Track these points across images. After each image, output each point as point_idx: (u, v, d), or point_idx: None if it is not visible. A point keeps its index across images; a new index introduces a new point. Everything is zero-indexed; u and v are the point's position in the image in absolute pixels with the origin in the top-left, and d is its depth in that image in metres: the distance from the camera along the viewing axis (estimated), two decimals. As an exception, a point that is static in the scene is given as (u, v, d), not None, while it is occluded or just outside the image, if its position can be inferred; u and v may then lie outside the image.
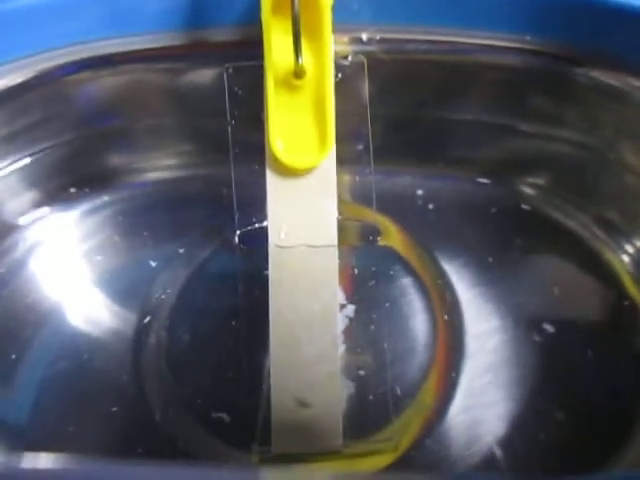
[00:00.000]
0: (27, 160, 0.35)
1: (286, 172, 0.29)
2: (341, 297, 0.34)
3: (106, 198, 0.38)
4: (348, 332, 0.33)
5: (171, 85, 0.34)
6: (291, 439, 0.29)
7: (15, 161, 0.34)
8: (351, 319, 0.34)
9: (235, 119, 0.31)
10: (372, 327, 0.34)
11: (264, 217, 0.30)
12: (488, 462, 0.31)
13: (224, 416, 0.32)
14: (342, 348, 0.33)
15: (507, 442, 0.31)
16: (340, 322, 0.33)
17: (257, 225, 0.34)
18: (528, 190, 0.37)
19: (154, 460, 0.30)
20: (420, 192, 0.38)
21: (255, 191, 0.30)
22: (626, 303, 0.34)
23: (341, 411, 0.29)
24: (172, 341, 0.34)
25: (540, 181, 0.37)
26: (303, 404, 0.28)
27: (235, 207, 0.32)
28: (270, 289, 0.29)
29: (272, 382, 0.29)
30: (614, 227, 0.36)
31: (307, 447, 0.29)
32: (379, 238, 0.36)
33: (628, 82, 0.32)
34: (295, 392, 0.29)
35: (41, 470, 0.21)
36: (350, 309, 0.34)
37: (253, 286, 0.32)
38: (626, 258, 0.35)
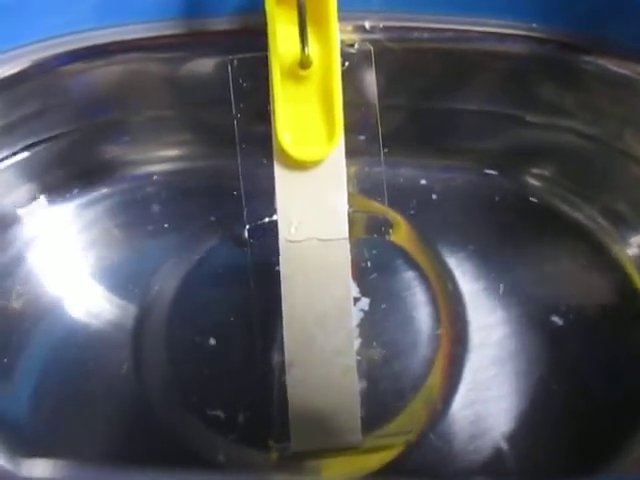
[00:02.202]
0: (24, 152, 0.34)
1: (294, 165, 0.29)
2: (355, 290, 0.33)
3: (105, 190, 0.37)
4: (363, 326, 0.33)
5: (170, 75, 0.33)
6: (310, 436, 0.29)
7: (12, 154, 0.34)
8: (366, 312, 0.33)
9: (241, 112, 0.31)
10: (377, 321, 0.33)
11: (273, 211, 0.30)
12: (492, 458, 0.31)
13: (227, 412, 0.31)
14: (358, 342, 0.32)
15: (512, 437, 0.31)
16: (355, 316, 0.33)
17: (267, 219, 0.33)
18: (534, 182, 0.37)
19: (153, 456, 0.30)
20: (424, 183, 0.37)
21: (263, 185, 0.29)
22: (632, 295, 0.34)
23: (359, 406, 0.29)
24: (172, 334, 0.33)
25: (546, 172, 0.37)
26: (320, 400, 0.28)
27: (244, 201, 0.31)
28: (282, 285, 0.29)
29: (288, 379, 0.29)
30: (621, 219, 0.35)
31: (326, 443, 0.29)
32: (390, 231, 0.35)
33: (637, 70, 0.31)
34: (312, 388, 0.29)
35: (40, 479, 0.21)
36: (364, 302, 0.34)
37: (260, 280, 0.32)
38: (633, 250, 0.35)
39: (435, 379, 0.32)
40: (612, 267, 0.35)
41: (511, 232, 0.36)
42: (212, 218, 0.36)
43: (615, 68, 0.32)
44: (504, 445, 0.31)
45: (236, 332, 0.33)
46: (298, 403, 0.28)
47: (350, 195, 0.30)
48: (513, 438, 0.31)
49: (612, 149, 0.34)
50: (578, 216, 0.36)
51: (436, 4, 0.32)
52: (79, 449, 0.31)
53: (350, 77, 0.30)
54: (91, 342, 0.33)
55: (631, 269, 0.35)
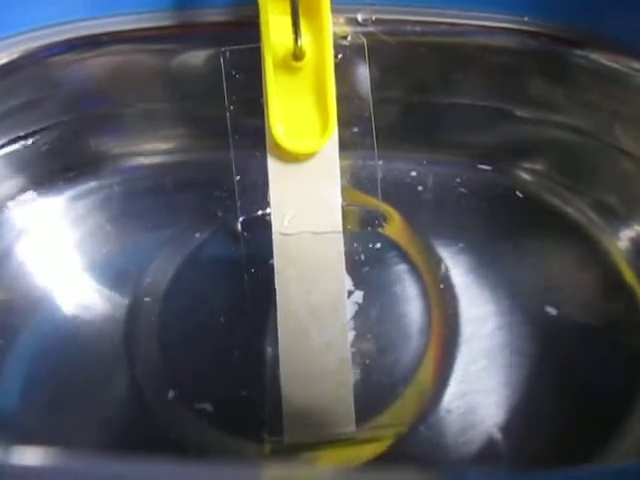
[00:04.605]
0: (14, 144, 0.34)
1: (288, 158, 0.29)
2: (349, 283, 0.33)
3: (96, 183, 0.37)
4: (356, 318, 0.33)
5: (163, 67, 0.33)
6: (303, 428, 0.29)
7: (1, 145, 0.33)
8: (360, 305, 0.33)
9: (233, 104, 0.30)
10: (371, 313, 0.33)
11: (267, 204, 0.30)
12: (483, 449, 0.31)
13: (220, 405, 0.31)
14: (351, 335, 0.32)
15: (503, 429, 0.31)
16: (349, 308, 0.33)
17: (260, 212, 0.33)
18: (525, 176, 0.37)
19: (145, 449, 0.30)
20: (417, 177, 0.37)
21: (256, 177, 0.29)
22: (623, 288, 0.34)
23: (352, 398, 0.29)
24: (164, 327, 0.33)
25: (537, 167, 0.37)
26: (314, 393, 0.28)
27: (237, 194, 0.31)
28: (276, 278, 0.29)
29: (282, 371, 0.29)
30: (612, 212, 0.36)
31: (320, 436, 0.29)
32: (384, 224, 0.35)
33: (628, 64, 0.32)
34: (306, 381, 0.29)
35: (31, 467, 0.21)
36: (358, 295, 0.34)
37: (254, 274, 0.32)
38: (623, 244, 0.35)
39: (427, 371, 0.33)
40: (603, 260, 0.35)
41: (503, 225, 0.37)
42: (205, 211, 0.36)
43: (606, 62, 0.32)
44: (495, 436, 0.31)
45: (229, 325, 0.33)
46: (292, 396, 0.28)
47: (343, 188, 0.30)
48: (504, 430, 0.31)
49: (603, 143, 0.35)
50: (569, 210, 0.36)
51: (429, -4, 0.32)
52: (70, 441, 0.31)
53: (343, 70, 0.30)
54: (82, 335, 0.33)
55: (621, 262, 0.35)
